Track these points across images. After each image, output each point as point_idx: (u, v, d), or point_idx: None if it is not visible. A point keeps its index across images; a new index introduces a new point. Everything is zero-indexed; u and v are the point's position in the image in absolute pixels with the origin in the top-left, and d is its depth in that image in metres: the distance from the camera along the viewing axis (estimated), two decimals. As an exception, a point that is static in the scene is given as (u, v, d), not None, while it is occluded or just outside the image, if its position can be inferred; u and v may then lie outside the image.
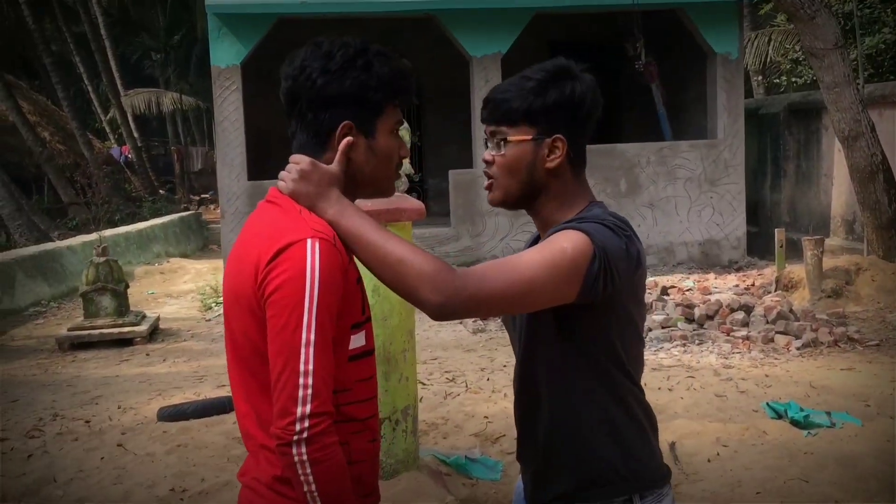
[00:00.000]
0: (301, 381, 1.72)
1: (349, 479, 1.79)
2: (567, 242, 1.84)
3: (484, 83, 12.24)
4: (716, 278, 11.45)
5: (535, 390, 2.02)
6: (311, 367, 1.73)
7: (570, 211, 2.00)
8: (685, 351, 8.09)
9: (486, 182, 2.05)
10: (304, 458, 1.72)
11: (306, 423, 1.71)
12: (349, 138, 1.89)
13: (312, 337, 1.73)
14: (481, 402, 6.12)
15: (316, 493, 1.74)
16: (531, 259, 1.83)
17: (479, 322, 9.63)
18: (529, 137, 1.97)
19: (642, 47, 12.77)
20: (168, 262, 15.00)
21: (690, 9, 12.51)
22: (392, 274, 1.80)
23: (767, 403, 5.81)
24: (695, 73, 13.44)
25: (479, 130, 12.38)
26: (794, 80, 18.55)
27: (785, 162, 14.19)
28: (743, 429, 5.24)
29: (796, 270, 10.33)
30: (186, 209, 22.76)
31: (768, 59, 18.68)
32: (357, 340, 1.88)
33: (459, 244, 12.34)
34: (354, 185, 1.93)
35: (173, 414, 5.87)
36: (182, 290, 13.03)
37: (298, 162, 1.88)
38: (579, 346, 1.95)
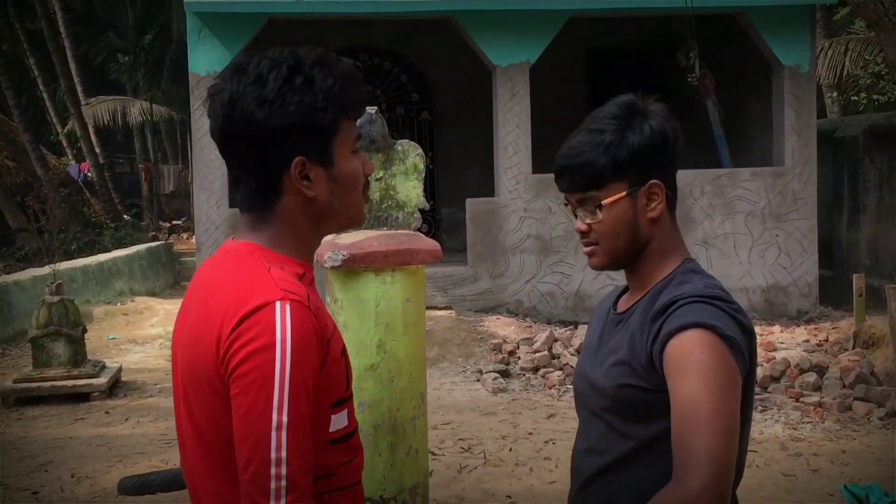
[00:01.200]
0: (273, 471, 1.70)
1: None
2: (706, 353, 1.92)
3: (510, 97, 12.31)
4: (782, 331, 11.41)
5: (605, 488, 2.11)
6: (283, 454, 1.71)
7: (668, 265, 2.11)
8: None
9: (585, 249, 2.15)
10: None
11: None
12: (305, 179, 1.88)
13: (284, 419, 1.71)
14: (503, 477, 6.10)
15: None
16: (698, 394, 1.89)
17: (501, 380, 9.61)
18: (624, 194, 2.07)
19: (696, 57, 12.83)
20: (133, 301, 15.02)
21: (753, 14, 12.57)
22: None
23: (845, 486, 5.76)
24: (758, 88, 13.48)
25: (503, 151, 12.45)
26: (875, 97, 18.59)
27: (865, 195, 14.16)
28: (816, 517, 5.19)
29: (878, 324, 10.26)
30: (155, 238, 22.89)
31: (844, 73, 18.72)
32: (338, 421, 1.87)
33: (477, 286, 12.35)
34: (320, 222, 1.94)
35: (137, 486, 5.81)
36: (148, 334, 13.04)
37: None
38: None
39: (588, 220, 2.10)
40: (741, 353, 1.94)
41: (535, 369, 9.93)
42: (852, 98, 19.98)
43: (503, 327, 11.40)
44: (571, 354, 10.01)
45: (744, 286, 12.63)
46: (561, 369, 9.85)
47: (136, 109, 28.78)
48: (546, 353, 10.14)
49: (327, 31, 13.84)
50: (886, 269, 13.53)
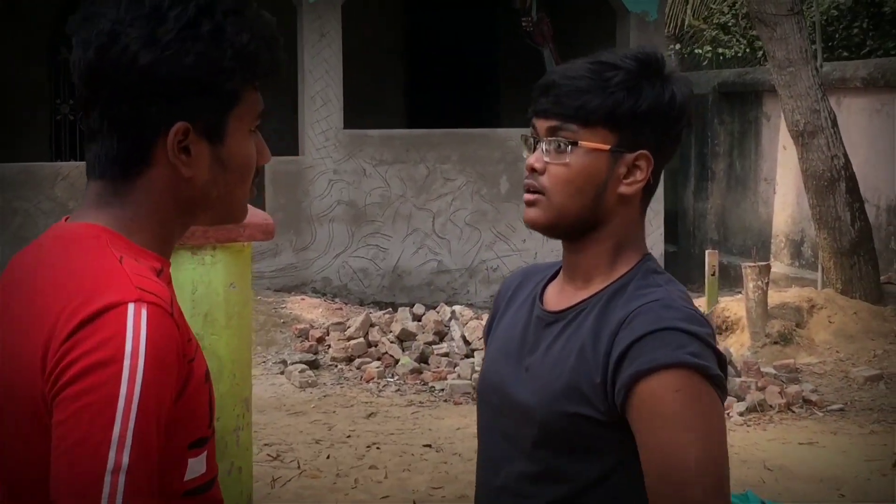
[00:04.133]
0: None
1: None
2: (691, 400, 1.80)
3: (318, 38, 12.05)
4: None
5: None
6: None
7: (624, 259, 1.96)
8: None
9: (527, 195, 1.95)
10: None
11: None
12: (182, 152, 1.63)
13: (125, 459, 1.45)
14: (325, 491, 5.95)
15: None
16: (686, 449, 1.77)
17: (310, 372, 9.42)
18: (608, 147, 1.90)
19: (533, 0, 12.89)
20: None
21: (597, -49, 12.72)
22: None
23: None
24: (600, 36, 13.64)
25: (309, 102, 12.18)
26: (720, 51, 19.19)
27: (713, 161, 14.61)
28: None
29: (733, 306, 10.61)
30: None
31: (685, 25, 19.27)
32: (196, 467, 1.62)
33: (278, 261, 12.06)
34: (190, 211, 1.68)
35: None
36: None
37: None
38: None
39: (550, 158, 1.91)
40: (724, 391, 1.84)
41: (350, 359, 9.79)
42: (695, 51, 20.59)
43: (309, 310, 11.19)
44: (391, 342, 9.92)
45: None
46: (379, 359, 9.74)
47: None
48: (361, 340, 10.00)
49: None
50: (736, 245, 14.02)
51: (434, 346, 9.87)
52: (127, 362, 1.46)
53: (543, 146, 1.92)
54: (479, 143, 12.42)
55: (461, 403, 8.75)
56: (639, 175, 1.92)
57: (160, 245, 1.67)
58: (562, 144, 1.90)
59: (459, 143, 12.28)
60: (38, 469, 1.53)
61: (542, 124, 1.93)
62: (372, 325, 10.23)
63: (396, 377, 9.42)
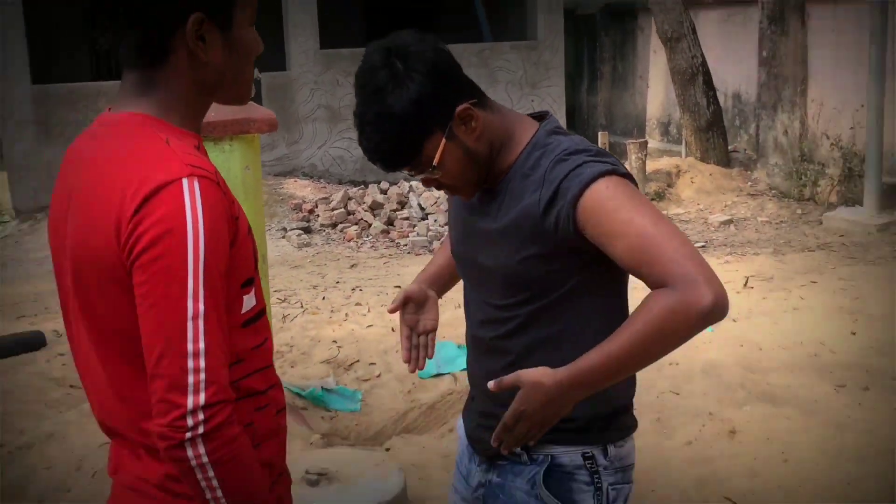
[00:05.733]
0: (190, 364, 1.37)
1: (259, 470, 1.48)
2: (625, 191, 1.68)
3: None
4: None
5: (510, 337, 1.83)
6: (201, 345, 1.37)
7: (516, 146, 1.80)
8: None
9: (449, 193, 1.86)
10: (204, 459, 1.38)
11: (201, 417, 1.37)
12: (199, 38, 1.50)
13: (200, 307, 1.37)
14: (324, 324, 5.87)
15: (222, 500, 1.42)
16: (639, 221, 1.63)
17: (304, 236, 9.31)
18: (441, 142, 1.73)
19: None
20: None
21: None
22: (661, 345, 1.60)
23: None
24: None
25: (293, 28, 11.79)
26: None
27: (601, 64, 14.44)
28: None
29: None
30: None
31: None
32: (248, 301, 1.53)
33: (275, 153, 11.81)
34: (209, 90, 1.56)
35: (-12, 350, 5.26)
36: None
37: (511, 415, 1.67)
38: (578, 288, 1.78)
39: (433, 178, 1.78)
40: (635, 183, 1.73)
41: (334, 225, 9.69)
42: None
43: (301, 189, 11.02)
44: (365, 210, 9.81)
45: (505, 145, 12.70)
46: (357, 224, 9.65)
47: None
48: (342, 210, 9.89)
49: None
50: (619, 128, 13.96)
51: (398, 213, 9.78)
52: (189, 229, 1.37)
53: (421, 178, 1.79)
54: (424, 56, 12.11)
55: (420, 254, 8.71)
56: (472, 123, 1.74)
57: (191, 122, 1.55)
58: (428, 170, 1.76)
59: (409, 57, 11.97)
60: (121, 321, 1.46)
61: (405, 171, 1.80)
62: (349, 199, 10.11)
63: (370, 237, 9.34)
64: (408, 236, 9.21)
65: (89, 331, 1.51)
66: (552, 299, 1.78)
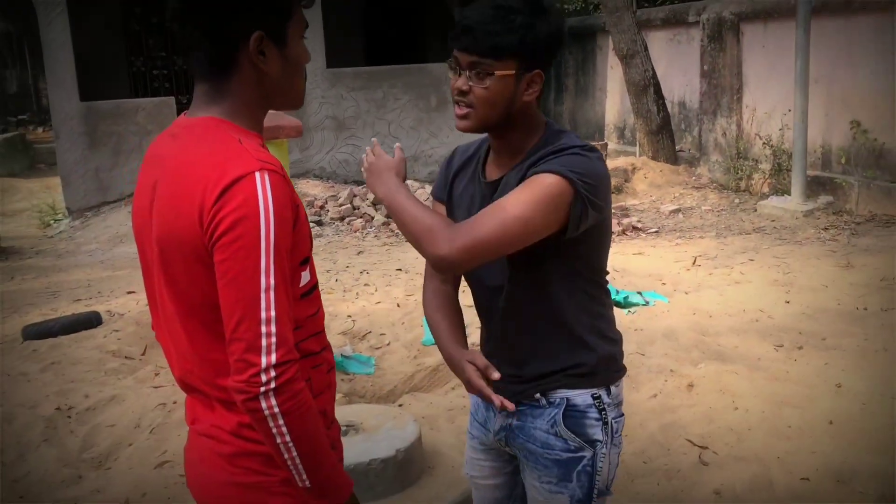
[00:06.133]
0: (263, 329, 1.41)
1: (318, 418, 1.51)
2: (550, 180, 1.69)
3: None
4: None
5: (519, 305, 1.85)
6: (272, 313, 1.41)
7: (534, 135, 1.83)
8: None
9: (458, 109, 1.81)
10: (276, 409, 1.42)
11: (273, 374, 1.41)
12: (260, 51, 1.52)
13: (272, 281, 1.41)
14: (338, 301, 5.88)
15: (291, 444, 1.45)
16: (517, 200, 1.68)
17: (317, 228, 9.28)
18: (513, 72, 1.75)
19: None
20: (-4, 182, 13.50)
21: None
22: (409, 233, 1.75)
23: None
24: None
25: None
26: (565, 6, 18.78)
27: (566, 78, 14.43)
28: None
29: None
30: (5, 130, 20.49)
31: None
32: (305, 276, 1.57)
33: (291, 157, 11.72)
34: (269, 98, 1.58)
35: (40, 331, 5.23)
36: (16, 209, 11.78)
37: (367, 156, 1.90)
38: (568, 261, 1.80)
39: (473, 83, 1.76)
40: (586, 203, 1.70)
41: (342, 218, 9.66)
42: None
43: (313, 188, 10.98)
44: (368, 206, 9.78)
45: (486, 148, 12.69)
46: (361, 217, 9.63)
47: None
48: (349, 205, 9.86)
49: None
50: (582, 133, 13.94)
51: (396, 207, 9.75)
52: (262, 214, 1.40)
53: (468, 73, 1.77)
54: (416, 74, 12.09)
55: (417, 242, 8.70)
56: (535, 87, 1.78)
57: (255, 125, 1.58)
58: (481, 73, 1.75)
59: (403, 75, 11.94)
60: (203, 293, 1.48)
61: (464, 57, 1.77)
62: (354, 196, 10.08)
63: (374, 228, 9.33)
64: (405, 227, 9.21)
65: (174, 302, 1.53)
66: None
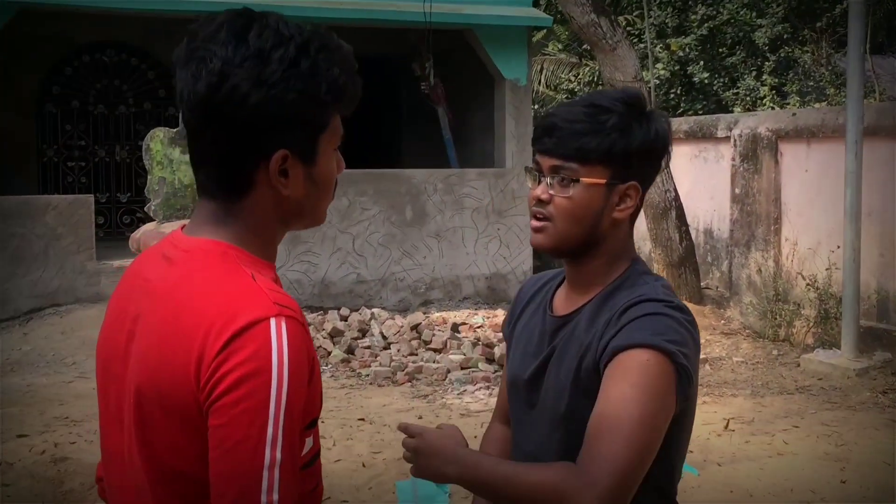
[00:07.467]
0: None
1: None
2: (646, 358, 1.69)
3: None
4: (504, 315, 11.64)
5: None
6: (275, 496, 1.35)
7: (616, 268, 1.88)
8: (490, 394, 8.11)
9: (534, 222, 1.86)
10: None
11: None
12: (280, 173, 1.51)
13: (278, 455, 1.35)
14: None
15: None
16: (624, 400, 1.65)
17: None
18: (604, 181, 1.80)
19: (431, 68, 12.89)
20: None
21: (480, 31, 12.77)
22: (521, 501, 1.66)
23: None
24: (482, 98, 13.73)
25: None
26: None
27: (569, 195, 14.77)
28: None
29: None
30: None
31: (539, 90, 19.54)
32: (308, 443, 1.52)
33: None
34: (288, 221, 1.57)
35: None
36: None
37: (408, 444, 1.82)
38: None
39: (554, 192, 1.81)
40: (688, 378, 1.72)
41: (291, 352, 9.61)
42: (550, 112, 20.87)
43: (256, 313, 10.96)
44: (324, 338, 9.78)
45: (470, 274, 12.82)
46: (315, 352, 9.59)
47: None
48: (300, 336, 9.83)
49: (77, 24, 12.82)
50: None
51: (359, 341, 9.75)
52: (274, 372, 1.36)
53: (548, 180, 1.82)
54: (389, 180, 12.34)
55: (384, 385, 8.65)
56: (629, 202, 1.84)
57: (268, 252, 1.56)
58: (565, 180, 1.80)
59: (374, 181, 12.18)
60: (185, 461, 1.43)
61: (545, 161, 1.84)
62: (308, 325, 10.06)
63: (330, 366, 9.28)
64: (370, 366, 9.17)
65: (146, 468, 1.48)
66: None
